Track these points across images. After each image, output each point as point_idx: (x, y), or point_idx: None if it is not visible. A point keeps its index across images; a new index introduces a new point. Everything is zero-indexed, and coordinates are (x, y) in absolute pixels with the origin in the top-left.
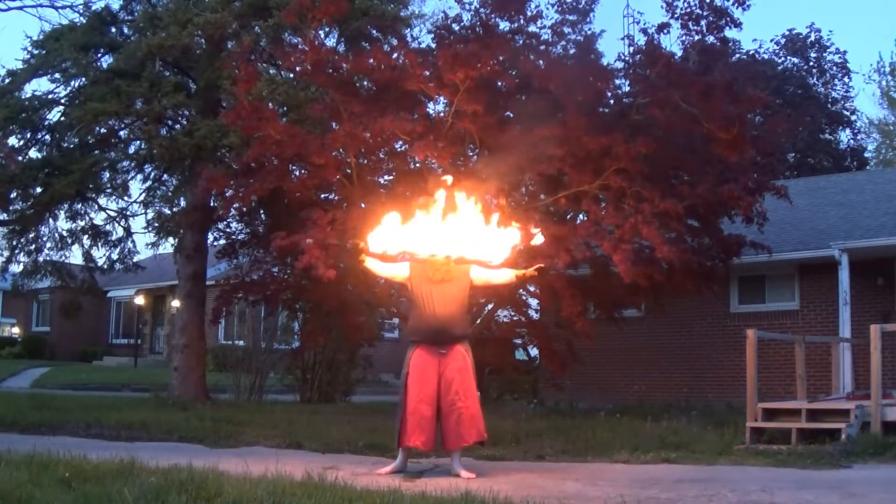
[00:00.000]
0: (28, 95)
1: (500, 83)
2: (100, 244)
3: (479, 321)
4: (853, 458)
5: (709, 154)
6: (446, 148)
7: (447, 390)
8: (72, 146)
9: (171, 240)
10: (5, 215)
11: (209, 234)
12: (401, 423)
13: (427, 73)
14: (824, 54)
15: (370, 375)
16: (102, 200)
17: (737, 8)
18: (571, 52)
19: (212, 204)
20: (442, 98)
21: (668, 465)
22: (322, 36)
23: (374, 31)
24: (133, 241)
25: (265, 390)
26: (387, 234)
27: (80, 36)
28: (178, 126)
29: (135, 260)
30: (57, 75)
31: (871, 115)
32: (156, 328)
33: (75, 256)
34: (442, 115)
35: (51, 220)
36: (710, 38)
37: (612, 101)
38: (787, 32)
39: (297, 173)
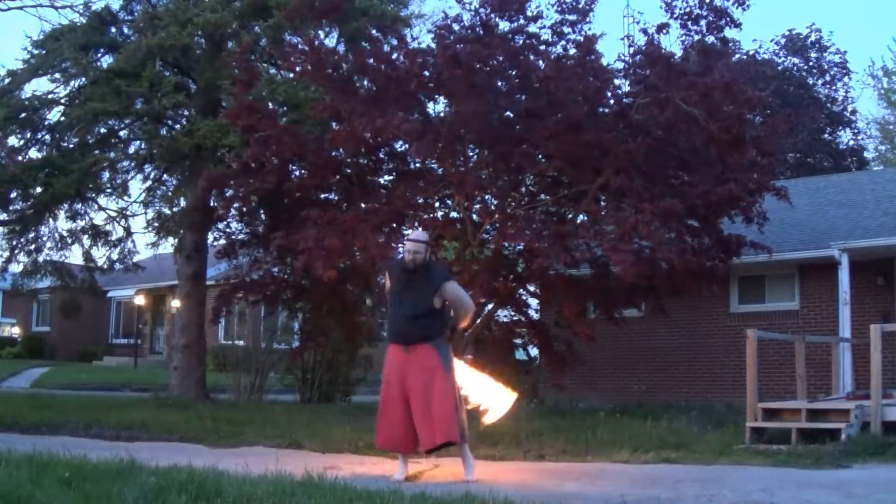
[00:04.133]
0: (28, 95)
1: (499, 83)
2: (100, 244)
3: (478, 321)
4: (853, 458)
5: (709, 154)
6: (446, 148)
7: (414, 389)
8: (72, 146)
9: (171, 240)
10: (5, 215)
11: (209, 234)
12: (378, 424)
13: (427, 73)
14: (824, 54)
15: (370, 375)
16: (102, 200)
17: (736, 8)
18: (571, 52)
19: (212, 204)
20: (442, 98)
21: (668, 465)
22: (322, 36)
23: (374, 31)
24: (133, 241)
25: (265, 390)
26: None
27: (80, 36)
28: (178, 126)
29: (135, 260)
30: (57, 75)
31: (870, 115)
32: (156, 328)
33: (75, 256)
34: (442, 115)
35: (51, 220)
36: (710, 38)
37: (611, 101)
38: (787, 32)
39: (297, 173)
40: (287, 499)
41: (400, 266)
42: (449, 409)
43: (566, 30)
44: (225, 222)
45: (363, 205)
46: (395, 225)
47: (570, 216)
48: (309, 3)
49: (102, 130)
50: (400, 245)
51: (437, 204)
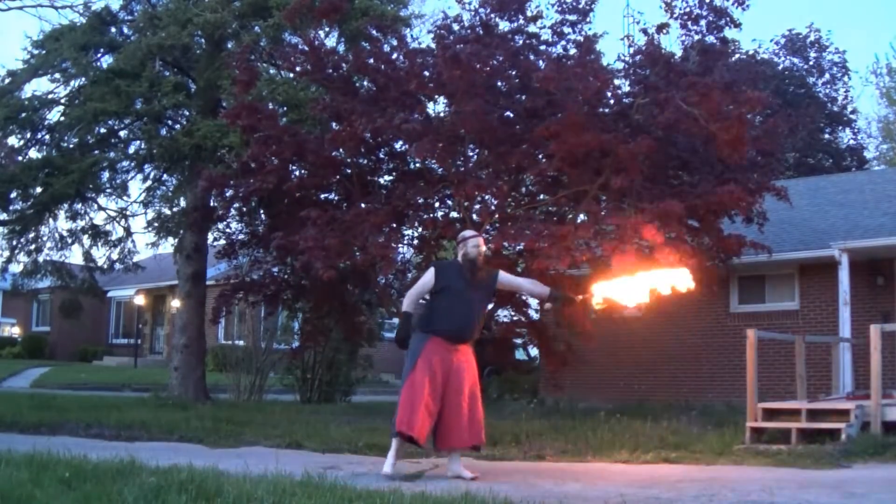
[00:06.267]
0: (28, 95)
1: (499, 83)
2: (100, 244)
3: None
4: (853, 458)
5: (709, 154)
6: (446, 148)
7: (459, 388)
8: (72, 146)
9: (171, 240)
10: (5, 215)
11: (209, 234)
12: (408, 410)
13: (426, 73)
14: (824, 54)
15: (370, 375)
16: (102, 200)
17: (736, 8)
18: (571, 52)
19: (212, 204)
20: (441, 98)
21: (668, 465)
22: (322, 36)
23: (374, 31)
24: (133, 241)
25: (265, 390)
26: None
27: (80, 36)
28: (177, 126)
29: (135, 260)
30: (57, 75)
31: (871, 114)
32: (156, 328)
33: (75, 256)
34: (442, 115)
35: (51, 220)
36: (710, 38)
37: (612, 102)
38: (787, 32)
39: (297, 173)
40: (287, 499)
41: (461, 265)
42: (482, 412)
43: (566, 30)
44: (225, 222)
45: (363, 205)
46: (395, 225)
47: (570, 216)
48: (309, 3)
49: (102, 130)
50: (400, 245)
51: (437, 204)
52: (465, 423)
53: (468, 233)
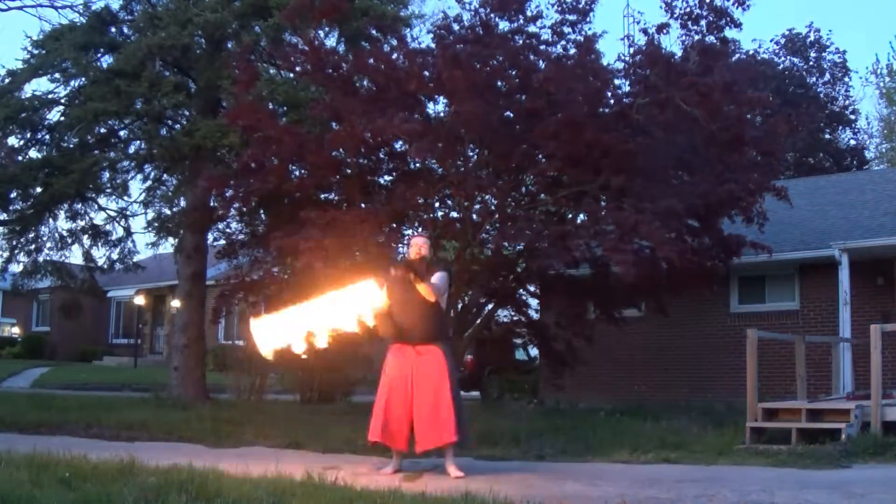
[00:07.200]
0: (28, 95)
1: (499, 83)
2: (100, 244)
3: (479, 321)
4: (853, 458)
5: (709, 154)
6: (446, 148)
7: (423, 389)
8: (72, 146)
9: (171, 240)
10: (5, 215)
11: (209, 234)
12: (375, 419)
13: (426, 73)
14: (824, 54)
15: (370, 375)
16: (102, 200)
17: (737, 8)
18: (571, 52)
19: (212, 204)
20: (441, 98)
21: (668, 465)
22: (322, 36)
23: (374, 31)
24: (133, 241)
25: (265, 390)
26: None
27: (80, 36)
28: (178, 126)
29: (135, 260)
30: (57, 75)
31: (871, 113)
32: (156, 328)
33: (75, 256)
34: (441, 115)
35: (51, 220)
36: (710, 39)
37: (611, 102)
38: (787, 32)
39: (297, 173)
40: (287, 499)
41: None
42: (457, 410)
43: (566, 30)
44: (225, 222)
45: (363, 205)
46: (395, 225)
47: (570, 216)
48: (309, 3)
49: (102, 130)
50: (400, 245)
51: (437, 204)
52: (431, 422)
53: (413, 235)
